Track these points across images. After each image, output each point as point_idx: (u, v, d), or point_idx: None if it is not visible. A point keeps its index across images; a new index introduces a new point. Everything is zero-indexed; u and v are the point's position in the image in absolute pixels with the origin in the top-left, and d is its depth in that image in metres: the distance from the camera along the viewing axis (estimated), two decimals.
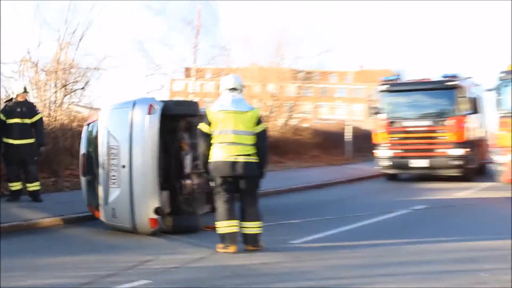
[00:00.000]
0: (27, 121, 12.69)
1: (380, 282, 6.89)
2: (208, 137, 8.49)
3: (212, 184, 8.72)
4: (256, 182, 8.62)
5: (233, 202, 8.55)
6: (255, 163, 8.45)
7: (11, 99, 13.10)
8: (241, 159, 8.32)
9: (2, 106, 13.34)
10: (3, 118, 12.63)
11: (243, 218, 8.52)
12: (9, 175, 12.70)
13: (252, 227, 8.50)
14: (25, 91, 13.19)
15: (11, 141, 12.54)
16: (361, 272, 7.34)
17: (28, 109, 12.91)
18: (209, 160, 8.51)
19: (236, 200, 8.63)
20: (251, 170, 8.41)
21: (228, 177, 8.42)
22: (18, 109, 12.70)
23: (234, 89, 8.71)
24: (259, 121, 8.54)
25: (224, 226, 8.39)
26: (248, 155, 8.37)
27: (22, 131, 12.64)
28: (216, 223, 8.55)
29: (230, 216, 8.42)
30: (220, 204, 8.50)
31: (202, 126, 8.54)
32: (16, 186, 12.66)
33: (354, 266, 7.65)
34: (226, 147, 8.35)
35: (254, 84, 30.47)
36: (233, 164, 8.31)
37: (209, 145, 8.50)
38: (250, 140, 8.41)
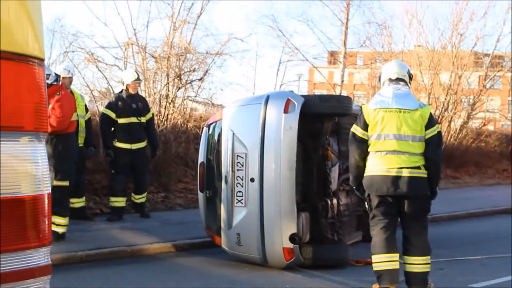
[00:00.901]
0: (143, 120, 13.24)
1: None
2: (362, 143, 8.48)
3: (366, 205, 8.72)
4: (425, 204, 8.53)
5: (394, 230, 8.51)
6: (424, 178, 8.36)
7: (121, 91, 13.49)
8: (406, 173, 8.25)
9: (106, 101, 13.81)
10: (112, 116, 13.16)
11: (407, 251, 8.47)
12: (116, 188, 13.27)
13: (418, 264, 8.42)
14: (138, 79, 13.62)
15: (128, 146, 13.12)
16: None
17: (144, 104, 13.44)
18: (363, 174, 8.53)
19: (398, 227, 8.60)
20: (418, 188, 8.33)
21: (388, 196, 8.39)
22: (134, 105, 13.15)
23: (398, 79, 8.65)
24: (431, 123, 8.43)
25: (382, 261, 8.36)
26: (416, 168, 8.29)
27: (138, 132, 13.21)
28: (370, 256, 8.55)
29: (390, 248, 8.38)
30: (377, 232, 8.48)
31: (355, 129, 8.55)
32: (120, 202, 13.21)
33: None
34: (386, 157, 8.31)
35: (421, 72, 30.04)
36: (395, 179, 8.25)
37: (363, 154, 8.49)
38: (418, 148, 8.33)
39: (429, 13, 51.64)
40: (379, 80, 8.92)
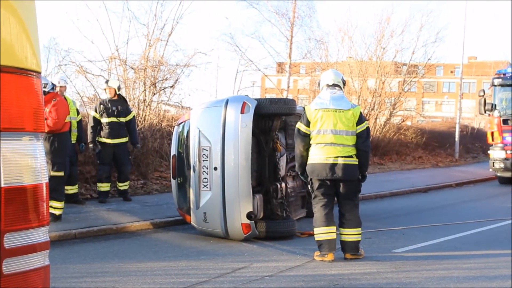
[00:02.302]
0: (122, 120, 13.26)
1: None
2: (305, 137, 8.53)
3: (309, 187, 8.76)
4: (357, 186, 8.60)
5: (331, 207, 8.57)
6: (356, 165, 8.44)
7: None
8: (341, 161, 8.32)
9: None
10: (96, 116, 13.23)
11: (342, 224, 8.54)
12: (101, 175, 13.18)
13: (351, 234, 8.50)
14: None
15: (109, 140, 13.13)
16: (472, 285, 7.22)
17: (123, 107, 13.43)
18: (307, 162, 8.57)
19: (334, 205, 8.65)
20: (351, 173, 8.40)
21: (327, 180, 8.44)
22: (114, 108, 13.20)
23: (334, 85, 8.70)
24: (361, 120, 8.51)
25: (322, 232, 8.42)
26: (349, 156, 8.37)
27: (118, 130, 13.20)
28: (313, 229, 8.60)
29: (328, 222, 8.44)
30: (318, 209, 8.53)
31: (300, 126, 8.59)
32: (105, 187, 13.17)
33: (463, 278, 7.52)
34: (325, 148, 8.37)
35: (352, 79, 30.19)
36: (332, 166, 8.31)
37: (306, 145, 8.55)
38: (351, 140, 8.40)
39: (358, 31, 51.80)
40: (319, 85, 8.97)
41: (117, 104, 13.21)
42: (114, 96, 13.28)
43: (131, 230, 10.84)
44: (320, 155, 8.41)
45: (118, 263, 8.35)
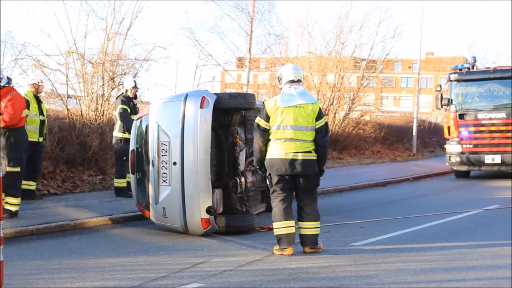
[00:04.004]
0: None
1: None
2: (265, 132, 8.53)
3: (268, 182, 8.77)
4: (315, 181, 8.64)
5: (290, 202, 8.60)
6: (315, 160, 8.47)
7: (122, 94, 13.96)
8: (300, 156, 8.34)
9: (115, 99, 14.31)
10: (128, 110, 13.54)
11: (301, 218, 8.57)
12: (125, 171, 13.22)
13: (310, 228, 8.54)
14: (135, 86, 14.06)
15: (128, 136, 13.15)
16: (428, 277, 7.30)
17: (136, 106, 14.04)
18: (265, 157, 8.57)
19: (293, 199, 8.68)
20: (310, 168, 8.43)
21: (286, 175, 8.46)
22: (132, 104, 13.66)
23: (298, 81, 8.70)
24: (320, 116, 8.53)
25: (281, 226, 8.44)
26: (308, 152, 8.39)
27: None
28: (272, 223, 8.62)
29: (287, 216, 8.46)
30: (277, 204, 8.55)
31: (259, 121, 8.58)
32: (125, 182, 13.43)
33: (420, 271, 7.61)
34: (284, 144, 8.38)
35: (312, 74, 30.31)
36: (291, 161, 8.34)
37: (266, 140, 8.55)
38: (310, 136, 8.44)
39: (317, 26, 52.10)
40: (279, 81, 8.88)
41: (135, 103, 13.81)
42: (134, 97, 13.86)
43: (90, 226, 10.74)
44: (279, 150, 8.42)
45: (76, 259, 8.27)
